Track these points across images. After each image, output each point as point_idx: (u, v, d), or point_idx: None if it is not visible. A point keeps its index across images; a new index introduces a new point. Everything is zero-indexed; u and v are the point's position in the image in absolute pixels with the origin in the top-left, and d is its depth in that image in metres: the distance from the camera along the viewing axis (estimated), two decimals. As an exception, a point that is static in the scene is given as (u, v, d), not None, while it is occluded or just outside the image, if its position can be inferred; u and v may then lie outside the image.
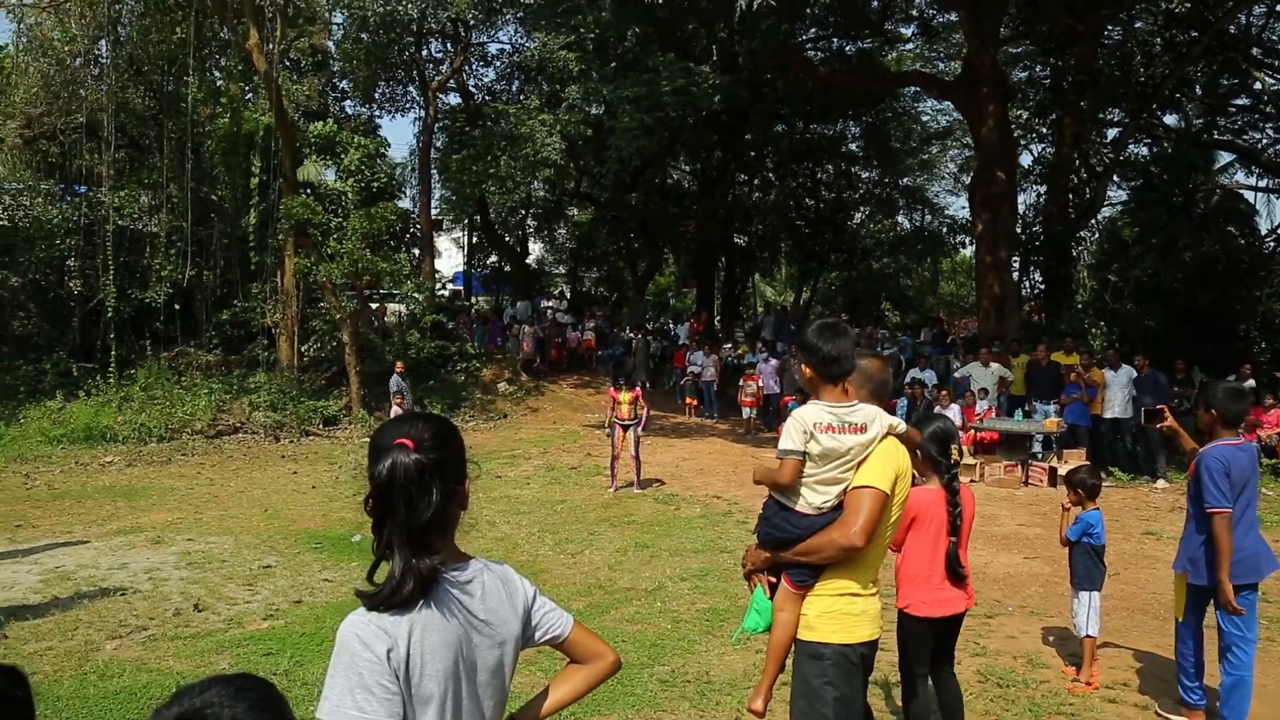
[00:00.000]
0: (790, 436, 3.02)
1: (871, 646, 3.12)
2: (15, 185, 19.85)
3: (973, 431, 14.28)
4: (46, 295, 19.41)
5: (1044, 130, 20.39)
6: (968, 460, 12.93)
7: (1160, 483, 12.38)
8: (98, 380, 16.87)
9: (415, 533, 1.76)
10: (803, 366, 3.11)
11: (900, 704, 4.36)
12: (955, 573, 4.13)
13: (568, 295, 33.61)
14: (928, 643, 4.21)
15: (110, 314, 17.83)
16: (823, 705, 2.99)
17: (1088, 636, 5.52)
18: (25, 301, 19.23)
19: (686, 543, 8.92)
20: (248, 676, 1.44)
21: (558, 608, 2.06)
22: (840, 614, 3.03)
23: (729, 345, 21.53)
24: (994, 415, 14.58)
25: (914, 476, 4.27)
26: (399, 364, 16.73)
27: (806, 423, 2.99)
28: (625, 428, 11.49)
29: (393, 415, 14.04)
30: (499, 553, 8.40)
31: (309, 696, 4.93)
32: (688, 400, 19.21)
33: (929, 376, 16.26)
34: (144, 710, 4.89)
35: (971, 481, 10.84)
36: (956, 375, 15.73)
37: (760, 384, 17.54)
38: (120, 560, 8.11)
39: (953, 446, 4.20)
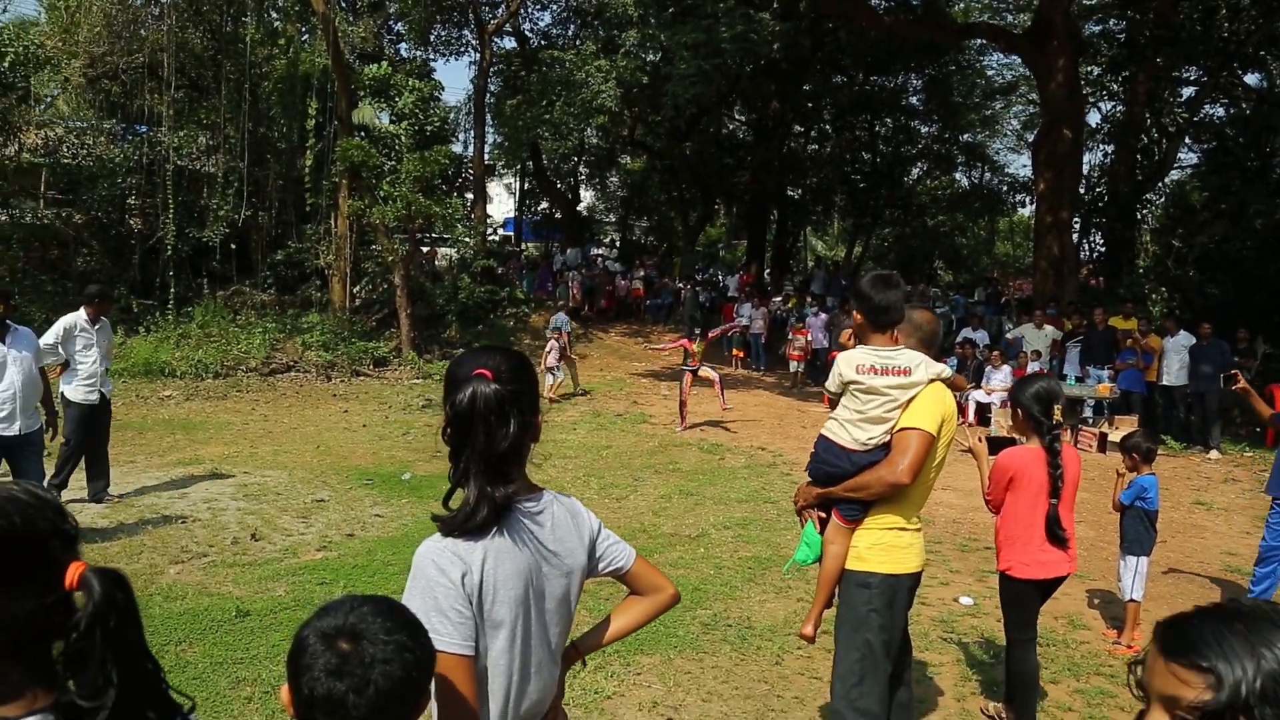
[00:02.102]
0: (831, 377, 3.30)
1: (916, 578, 3.36)
2: (79, 124, 20.16)
3: (1023, 393, 14.11)
4: (108, 233, 19.80)
5: (1115, 88, 19.78)
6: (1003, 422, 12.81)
7: (1213, 453, 12.13)
8: (156, 317, 17.25)
9: (492, 461, 1.79)
10: (854, 313, 3.28)
11: (1008, 664, 4.35)
12: (1056, 535, 4.13)
13: (618, 244, 33.52)
14: (1031, 605, 4.24)
15: (169, 252, 18.17)
16: (867, 630, 3.22)
17: (1132, 600, 5.49)
18: (88, 238, 19.63)
19: (730, 492, 8.98)
20: (388, 598, 1.49)
21: (621, 540, 2.10)
22: (889, 546, 3.24)
23: (778, 298, 21.38)
24: (1046, 378, 14.39)
25: (1016, 438, 4.32)
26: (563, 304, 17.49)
27: (847, 366, 3.21)
28: (695, 373, 12.55)
29: (549, 354, 14.85)
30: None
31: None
32: (735, 352, 19.16)
33: (981, 336, 16.03)
34: (206, 630, 5.09)
35: (961, 450, 10.73)
36: (1009, 336, 15.50)
37: (809, 338, 17.43)
38: (181, 490, 8.38)
39: (1056, 406, 4.18)
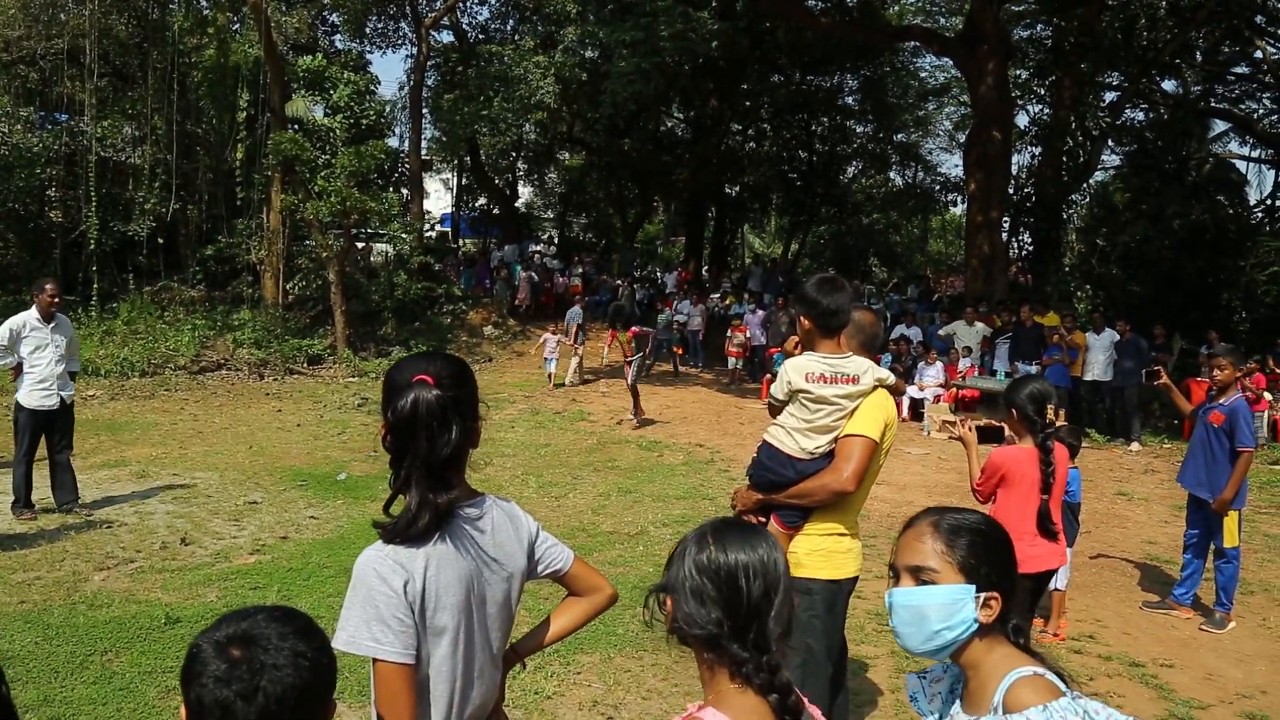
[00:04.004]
0: (778, 384, 3.27)
1: (854, 583, 3.38)
2: (-6, 111, 19.42)
3: (954, 389, 14.45)
4: (26, 225, 19.10)
5: (1042, 92, 20.31)
6: (946, 416, 13.09)
7: (1134, 445, 12.58)
8: (79, 313, 16.68)
9: (434, 468, 1.79)
10: (800, 318, 3.24)
11: None
12: (1047, 529, 4.27)
13: (556, 240, 33.39)
14: (1025, 598, 4.33)
15: (93, 246, 17.59)
16: (809, 635, 3.20)
17: (1056, 590, 5.66)
18: (5, 231, 18.95)
19: (669, 489, 9.03)
20: (287, 607, 1.48)
21: (559, 543, 2.11)
22: (829, 552, 3.25)
23: (716, 295, 21.54)
24: (976, 373, 14.74)
25: (1008, 437, 4.42)
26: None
27: (796, 374, 3.18)
28: (629, 363, 12.58)
29: (545, 343, 15.68)
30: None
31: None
32: (674, 349, 19.25)
33: (914, 333, 16.37)
34: (133, 639, 4.95)
35: (950, 438, 10.99)
36: (941, 333, 15.85)
37: (747, 335, 17.60)
38: (105, 493, 8.13)
39: (1049, 407, 4.28)
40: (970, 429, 4.57)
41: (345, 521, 7.48)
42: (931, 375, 14.54)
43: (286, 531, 7.15)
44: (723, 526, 1.59)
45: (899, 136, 30.77)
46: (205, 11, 20.77)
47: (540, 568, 2.05)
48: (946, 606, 1.62)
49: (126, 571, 6.11)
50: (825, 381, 3.15)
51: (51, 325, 7.32)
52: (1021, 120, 21.00)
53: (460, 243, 31.81)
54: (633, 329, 12.15)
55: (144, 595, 5.65)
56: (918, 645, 1.66)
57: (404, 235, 19.89)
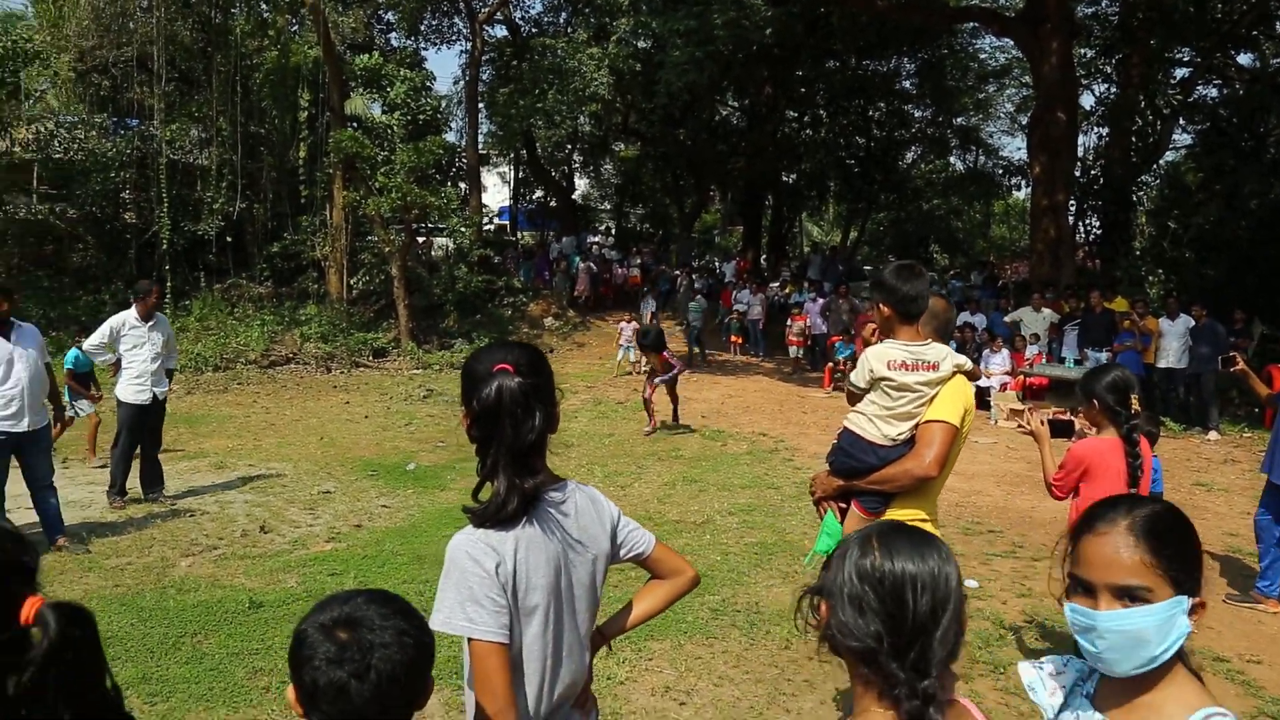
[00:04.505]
0: (859, 372, 3.26)
1: None
2: (70, 118, 20.06)
3: (1021, 377, 14.18)
4: (103, 227, 19.74)
5: (1109, 70, 19.75)
6: (1014, 404, 12.86)
7: (1212, 434, 12.20)
8: (154, 311, 17.20)
9: (519, 454, 1.83)
10: (880, 306, 3.24)
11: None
12: None
13: (613, 231, 33.48)
14: None
15: (165, 246, 18.12)
16: None
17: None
18: (83, 233, 19.59)
19: (733, 478, 9.02)
20: (382, 590, 1.51)
21: (640, 526, 2.13)
22: None
23: (775, 284, 21.41)
24: (1044, 361, 14.44)
25: (1079, 430, 4.31)
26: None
27: (879, 362, 3.18)
28: (652, 376, 11.32)
29: (622, 331, 15.40)
30: (550, 484, 8.56)
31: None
32: (733, 338, 19.21)
33: (979, 320, 16.08)
34: (220, 622, 5.12)
35: (1018, 427, 10.81)
36: (1006, 320, 15.56)
37: (807, 323, 17.47)
38: (187, 484, 8.39)
39: (1133, 396, 4.15)
40: (1042, 422, 4.46)
41: (416, 510, 7.62)
42: (997, 363, 14.28)
43: (360, 520, 7.31)
44: (891, 531, 1.47)
45: (959, 120, 30.23)
46: (265, 15, 21.22)
47: (623, 551, 2.07)
48: (1163, 625, 1.47)
49: (210, 558, 6.30)
50: (907, 369, 3.16)
51: (149, 324, 7.60)
52: (1087, 100, 20.51)
53: (519, 236, 32.08)
54: (663, 353, 11.47)
55: (228, 581, 5.83)
56: (1128, 669, 1.50)
57: (463, 229, 20.13)
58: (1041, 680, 1.69)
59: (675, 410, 11.50)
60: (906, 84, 28.41)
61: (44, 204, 19.53)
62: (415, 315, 18.27)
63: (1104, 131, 20.20)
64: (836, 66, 26.77)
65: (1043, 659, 1.73)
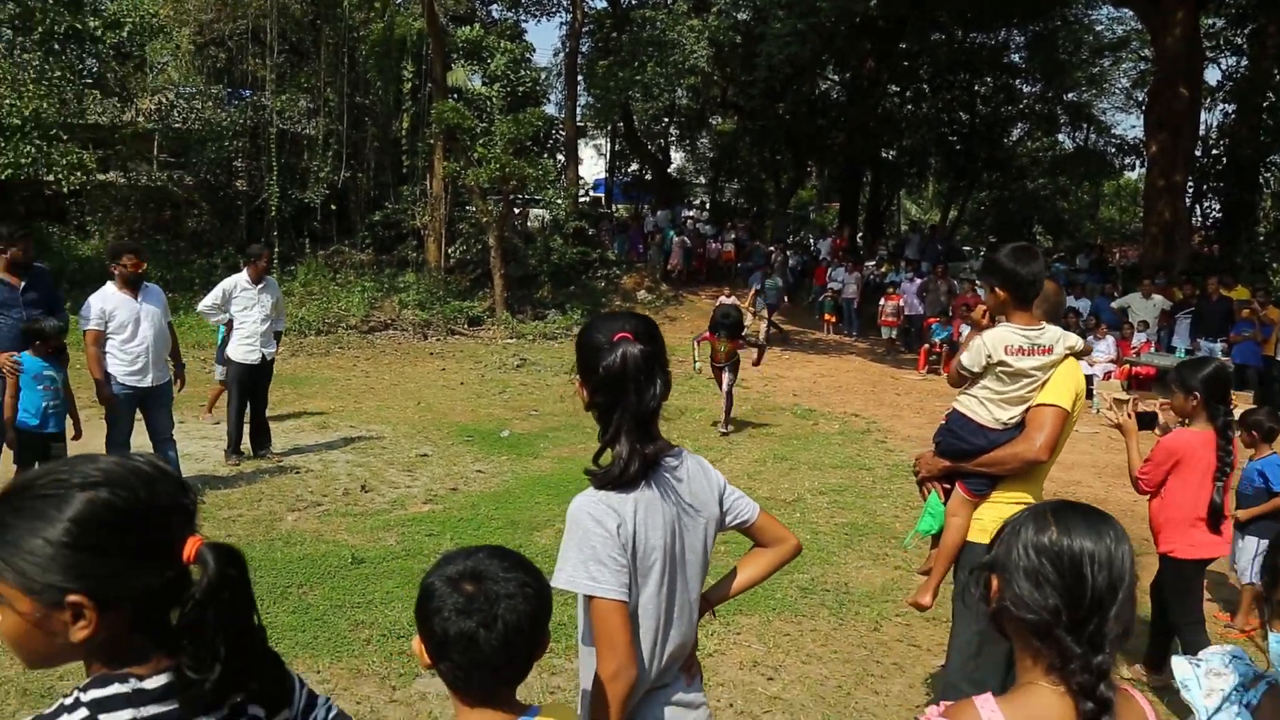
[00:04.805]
0: (973, 355, 3.20)
1: None
2: (189, 89, 20.87)
3: (1127, 366, 13.63)
4: (216, 194, 20.58)
5: (1239, 42, 18.63)
6: (1118, 394, 12.38)
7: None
8: (260, 275, 17.90)
9: (641, 420, 1.88)
10: (995, 289, 3.17)
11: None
12: (1220, 517, 4.11)
13: (708, 206, 33.32)
14: (1198, 587, 4.23)
15: (273, 213, 18.83)
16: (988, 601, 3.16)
17: (1250, 584, 5.30)
18: (198, 200, 20.46)
19: (825, 457, 8.95)
20: (500, 546, 1.59)
21: (745, 495, 2.16)
22: None
23: (871, 263, 21.03)
24: (1152, 349, 13.85)
25: (1163, 424, 4.25)
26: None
27: (996, 346, 3.13)
28: (720, 369, 10.01)
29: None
30: (640, 456, 8.63)
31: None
32: (826, 317, 18.97)
33: (1083, 305, 15.52)
34: (324, 575, 5.34)
35: (1108, 424, 10.40)
36: (1114, 305, 14.97)
37: (902, 303, 17.13)
38: (292, 442, 8.74)
39: (1231, 390, 4.15)
40: (1130, 415, 4.37)
41: (510, 477, 7.79)
42: (1102, 350, 13.76)
43: (456, 483, 7.51)
44: (1064, 508, 1.50)
45: (1069, 96, 29.00)
46: (372, -14, 21.68)
47: (729, 518, 2.10)
48: None
49: (315, 514, 6.57)
50: (1024, 354, 3.12)
51: (260, 287, 7.89)
52: (1212, 75, 19.41)
53: (613, 208, 32.20)
54: (736, 341, 10.59)
55: (331, 536, 6.07)
56: None
57: (559, 201, 20.32)
58: (1197, 679, 1.66)
59: (727, 411, 10.08)
60: (1015, 57, 27.40)
61: (163, 171, 20.42)
62: (510, 285, 18.56)
63: (1230, 108, 19.12)
64: (942, 39, 25.97)
65: (1202, 655, 1.68)
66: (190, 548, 1.17)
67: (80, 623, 1.12)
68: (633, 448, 1.86)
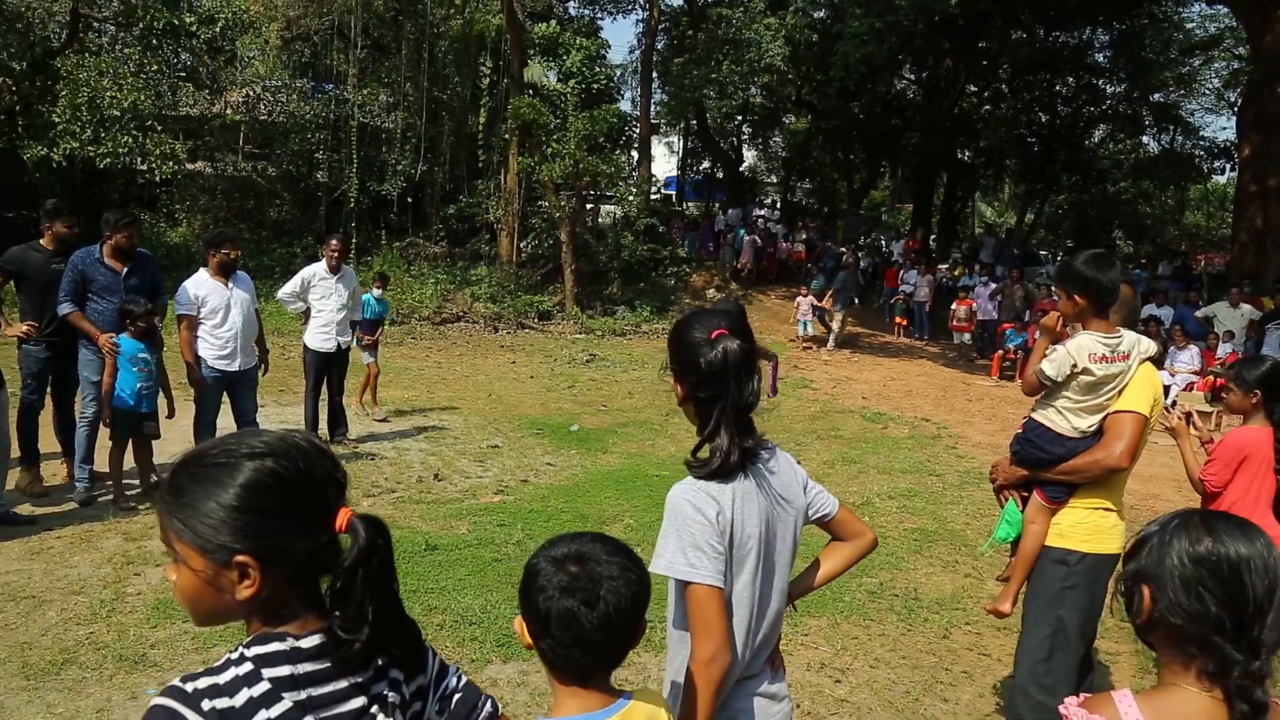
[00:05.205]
0: (1056, 363, 3.18)
1: (1116, 560, 3.30)
2: (275, 83, 21.48)
3: (1211, 377, 13.20)
4: (298, 185, 21.15)
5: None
6: (1203, 408, 12.00)
7: None
8: (339, 265, 18.36)
9: (741, 413, 1.94)
10: (1075, 296, 3.16)
11: None
12: None
13: (779, 205, 33.12)
14: None
15: (352, 204, 19.29)
16: (1061, 607, 3.25)
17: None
18: (281, 190, 21.06)
19: (894, 462, 8.87)
20: (603, 534, 1.65)
21: (824, 489, 2.21)
22: (1094, 526, 3.25)
23: (944, 266, 20.69)
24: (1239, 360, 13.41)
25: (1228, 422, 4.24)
26: None
27: (1080, 355, 3.13)
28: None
29: (799, 306, 15.36)
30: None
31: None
32: (897, 320, 18.74)
33: (1165, 314, 15.08)
34: (399, 561, 5.46)
35: (1210, 431, 10.09)
36: (1198, 315, 14.51)
37: (975, 308, 16.84)
38: (367, 430, 8.97)
39: None
40: (1179, 418, 4.35)
41: (579, 471, 7.89)
42: (1184, 360, 13.37)
43: (526, 475, 7.63)
44: (1209, 517, 1.51)
45: (1156, 96, 28.03)
46: (453, -16, 22.03)
47: (811, 511, 2.16)
48: None
49: (389, 500, 6.75)
50: (1105, 361, 3.12)
51: (337, 276, 8.07)
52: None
53: (684, 206, 32.21)
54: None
55: (405, 523, 6.22)
56: None
57: (631, 197, 20.41)
58: None
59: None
60: (1099, 56, 26.59)
61: (248, 162, 21.09)
62: (580, 281, 18.72)
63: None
64: (1023, 38, 25.35)
65: None
66: (343, 518, 1.29)
67: (245, 581, 1.23)
68: (732, 440, 1.91)
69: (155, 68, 17.55)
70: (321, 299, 8.01)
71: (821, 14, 19.24)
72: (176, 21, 17.92)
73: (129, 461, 6.31)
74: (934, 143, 25.85)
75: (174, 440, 7.11)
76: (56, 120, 15.66)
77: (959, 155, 29.01)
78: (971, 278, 18.68)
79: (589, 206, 22.85)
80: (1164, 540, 1.49)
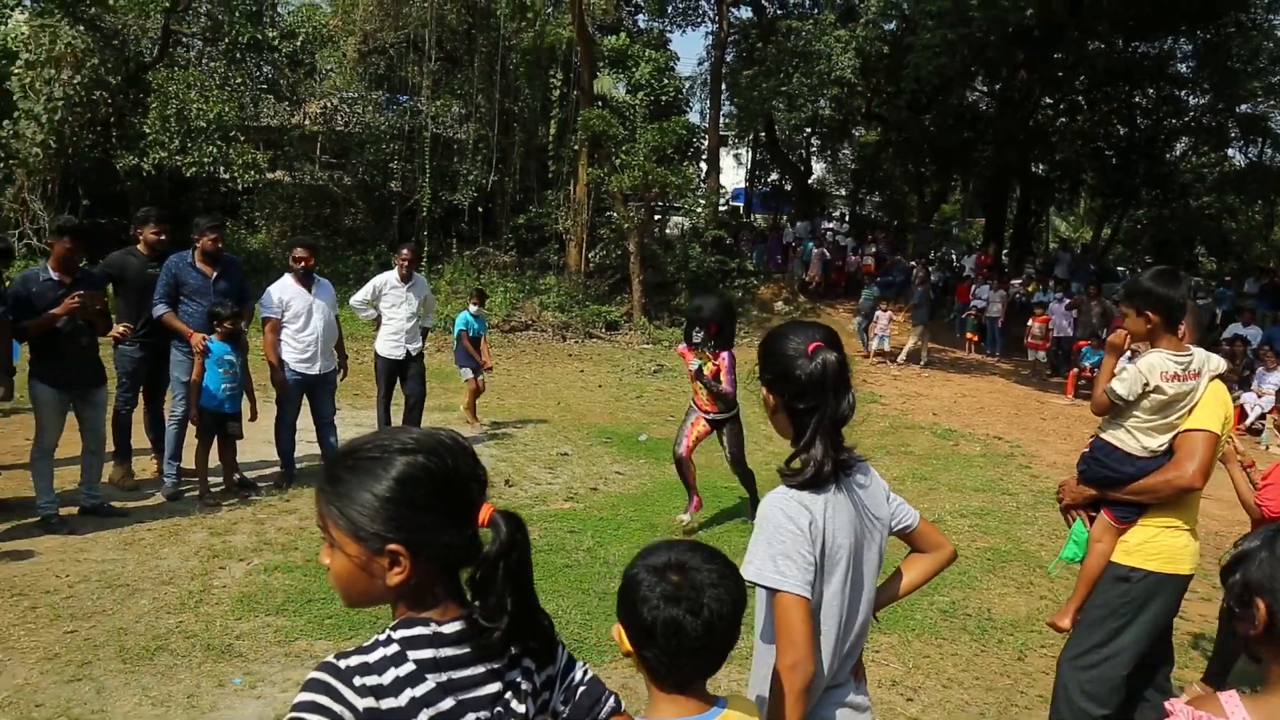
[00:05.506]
0: (1127, 382, 3.13)
1: (1186, 580, 3.28)
2: (351, 95, 22.02)
3: (1302, 399, 12.73)
4: (372, 194, 21.63)
5: None
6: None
7: None
8: (410, 273, 18.74)
9: (836, 425, 1.97)
10: (1147, 313, 3.11)
11: None
12: None
13: (847, 218, 32.85)
14: None
15: (424, 213, 19.69)
16: (1114, 621, 3.21)
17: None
18: (356, 199, 21.57)
19: (966, 479, 8.73)
20: (697, 542, 1.67)
21: (905, 502, 2.22)
22: (1162, 545, 3.20)
23: (1017, 281, 20.28)
24: (1332, 382, 12.89)
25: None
26: None
27: (1152, 373, 3.08)
28: (707, 419, 6.43)
29: (877, 320, 15.47)
30: (776, 466, 8.62)
31: (609, 574, 5.39)
32: (968, 335, 18.41)
33: (1253, 333, 14.58)
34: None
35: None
36: (1289, 334, 13.99)
37: (1050, 325, 16.47)
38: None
39: None
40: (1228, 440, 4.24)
41: (648, 480, 7.93)
42: (1272, 382, 12.89)
43: (595, 483, 7.69)
44: None
45: (1243, 107, 27.06)
46: (526, -2, 22.37)
47: (893, 522, 2.18)
48: None
49: (462, 505, 6.84)
50: (1178, 379, 3.08)
51: (408, 285, 8.12)
52: None
53: (752, 218, 32.13)
54: (722, 354, 8.86)
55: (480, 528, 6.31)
56: None
57: (699, 209, 20.43)
58: None
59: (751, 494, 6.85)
60: (1181, 67, 25.82)
61: (324, 171, 21.64)
62: (648, 291, 18.80)
63: None
64: (1101, 48, 24.74)
65: None
66: (485, 513, 1.36)
67: (396, 569, 1.31)
68: (826, 452, 1.94)
69: (239, 81, 18.18)
70: (392, 307, 8.06)
71: (892, 26, 19.07)
72: (260, 36, 18.58)
73: (213, 460, 6.53)
74: (1007, 155, 25.35)
75: (255, 441, 7.35)
76: (147, 131, 16.32)
77: (1033, 168, 28.43)
78: (1046, 293, 18.29)
79: (657, 218, 22.94)
80: (1274, 553, 1.48)
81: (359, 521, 1.30)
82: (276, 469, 7.12)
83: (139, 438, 6.88)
